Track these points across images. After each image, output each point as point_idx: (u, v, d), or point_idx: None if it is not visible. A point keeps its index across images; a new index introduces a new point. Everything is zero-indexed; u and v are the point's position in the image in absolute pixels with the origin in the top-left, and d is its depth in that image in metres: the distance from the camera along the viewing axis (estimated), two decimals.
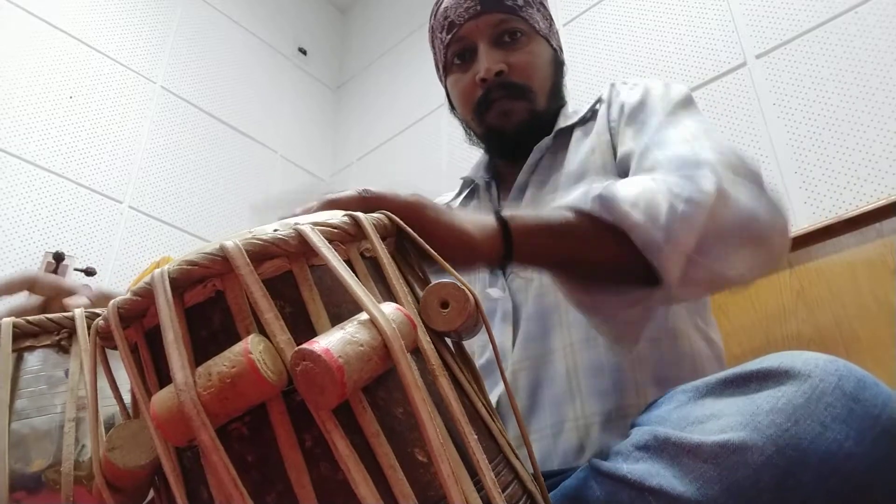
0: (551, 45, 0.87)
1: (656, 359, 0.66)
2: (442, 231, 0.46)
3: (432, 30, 0.90)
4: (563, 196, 0.63)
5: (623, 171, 0.73)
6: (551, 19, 0.90)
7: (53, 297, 0.69)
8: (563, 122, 0.84)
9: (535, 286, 0.72)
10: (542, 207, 0.60)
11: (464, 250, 0.48)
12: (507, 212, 0.53)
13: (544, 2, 0.90)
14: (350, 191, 0.45)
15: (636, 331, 0.65)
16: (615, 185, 0.58)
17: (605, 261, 0.58)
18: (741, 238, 0.59)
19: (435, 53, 0.92)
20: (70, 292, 0.67)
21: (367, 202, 0.44)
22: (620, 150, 0.74)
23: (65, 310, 0.65)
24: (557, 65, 0.88)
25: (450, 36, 0.85)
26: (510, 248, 0.52)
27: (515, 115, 0.82)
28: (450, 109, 0.93)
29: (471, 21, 0.83)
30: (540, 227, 0.55)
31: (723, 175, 0.59)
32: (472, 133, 0.89)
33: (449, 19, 0.85)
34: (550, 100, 0.85)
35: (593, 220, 0.57)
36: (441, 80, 0.93)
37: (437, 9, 0.89)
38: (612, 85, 0.85)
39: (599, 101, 0.86)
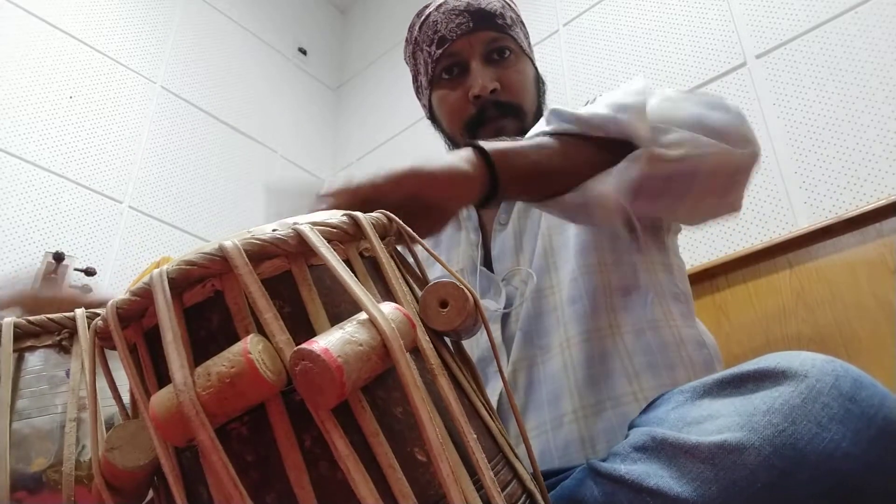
0: (533, 64, 0.90)
1: (643, 346, 0.68)
2: (444, 177, 0.51)
3: (416, 42, 0.90)
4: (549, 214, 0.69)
5: None
6: (529, 42, 0.93)
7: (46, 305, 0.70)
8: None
9: (531, 289, 0.73)
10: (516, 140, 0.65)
11: (462, 189, 0.53)
12: (483, 144, 0.57)
13: (524, 22, 0.92)
14: (351, 183, 0.48)
15: (632, 330, 0.69)
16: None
17: (581, 164, 0.63)
18: (695, 130, 0.62)
19: (416, 65, 0.92)
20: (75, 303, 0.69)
21: (369, 190, 0.48)
22: None
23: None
24: (540, 84, 0.90)
25: (440, 51, 0.86)
26: (494, 173, 0.56)
27: (507, 133, 0.82)
28: (431, 122, 0.94)
29: (463, 38, 0.84)
30: (514, 148, 0.59)
31: (665, 96, 0.65)
32: (455, 147, 0.89)
33: (439, 34, 0.86)
34: (535, 118, 0.86)
35: (557, 135, 0.63)
36: (421, 93, 0.93)
37: (422, 21, 0.89)
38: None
39: None
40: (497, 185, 0.56)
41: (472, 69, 0.83)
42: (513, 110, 0.83)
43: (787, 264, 1.27)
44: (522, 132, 0.82)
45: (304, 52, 2.93)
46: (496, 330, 0.73)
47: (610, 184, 0.60)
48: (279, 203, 0.53)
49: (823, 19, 1.54)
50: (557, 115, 0.64)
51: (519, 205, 0.81)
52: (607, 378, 0.66)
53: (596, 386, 0.65)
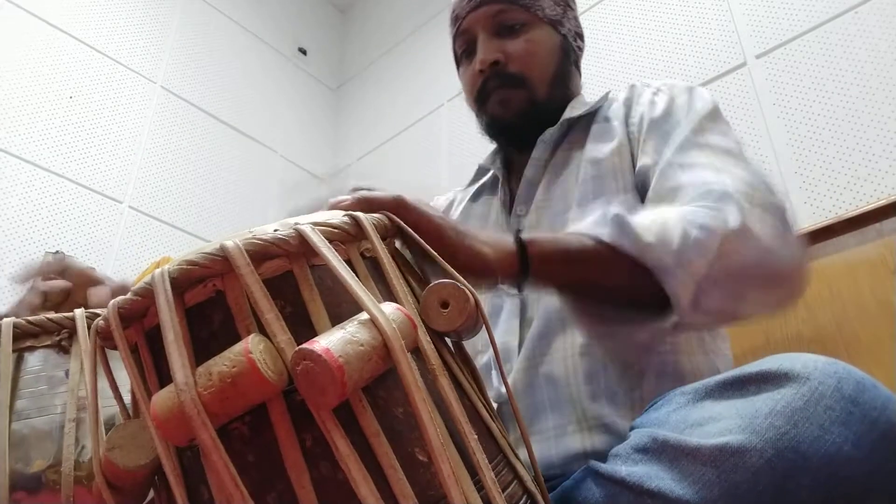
0: (558, 31, 0.85)
1: (656, 373, 0.66)
2: (462, 253, 0.48)
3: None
4: (579, 216, 0.64)
5: (641, 184, 0.72)
6: (566, 4, 0.88)
7: (80, 285, 0.71)
8: (569, 113, 0.82)
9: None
10: (560, 230, 0.62)
11: (482, 272, 0.50)
12: (526, 235, 0.55)
13: None
14: (389, 194, 0.46)
15: (644, 355, 0.66)
16: (633, 212, 0.60)
17: (619, 287, 0.59)
18: (757, 274, 0.59)
19: (452, 45, 0.93)
20: (98, 282, 0.69)
21: (400, 210, 0.46)
22: (640, 162, 0.73)
23: (87, 300, 0.67)
24: (565, 51, 0.86)
25: (454, 29, 0.87)
26: (526, 271, 0.54)
27: (513, 103, 0.81)
28: (466, 101, 0.93)
29: (471, 13, 0.84)
30: (558, 251, 0.57)
31: (748, 210, 0.59)
32: (480, 123, 0.89)
33: (455, 13, 0.87)
34: (553, 88, 0.83)
35: (609, 247, 0.58)
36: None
37: (452, 4, 0.90)
38: (633, 86, 0.84)
39: (610, 98, 0.85)
40: (525, 278, 0.54)
41: (478, 43, 0.84)
42: (515, 80, 0.81)
43: None
44: (532, 101, 0.81)
45: (304, 52, 2.93)
46: (515, 322, 0.73)
47: (642, 339, 0.61)
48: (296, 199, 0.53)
49: (823, 19, 1.54)
50: (620, 227, 0.58)
51: (540, 195, 0.79)
52: (611, 399, 0.64)
53: (600, 404, 0.64)
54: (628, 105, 0.81)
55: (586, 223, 0.60)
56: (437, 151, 2.38)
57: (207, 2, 2.58)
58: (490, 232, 0.54)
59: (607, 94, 0.87)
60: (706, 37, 1.75)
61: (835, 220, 1.26)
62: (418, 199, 0.48)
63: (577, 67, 0.90)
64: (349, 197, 0.46)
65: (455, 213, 0.92)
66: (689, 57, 1.76)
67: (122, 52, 2.18)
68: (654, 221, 0.58)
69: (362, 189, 0.47)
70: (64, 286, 0.70)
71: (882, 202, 1.23)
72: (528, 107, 0.81)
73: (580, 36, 0.90)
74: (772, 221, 0.60)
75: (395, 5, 2.92)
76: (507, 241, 0.54)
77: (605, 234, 0.58)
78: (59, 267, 0.72)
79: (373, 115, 2.77)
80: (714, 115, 0.73)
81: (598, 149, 0.77)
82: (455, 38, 0.88)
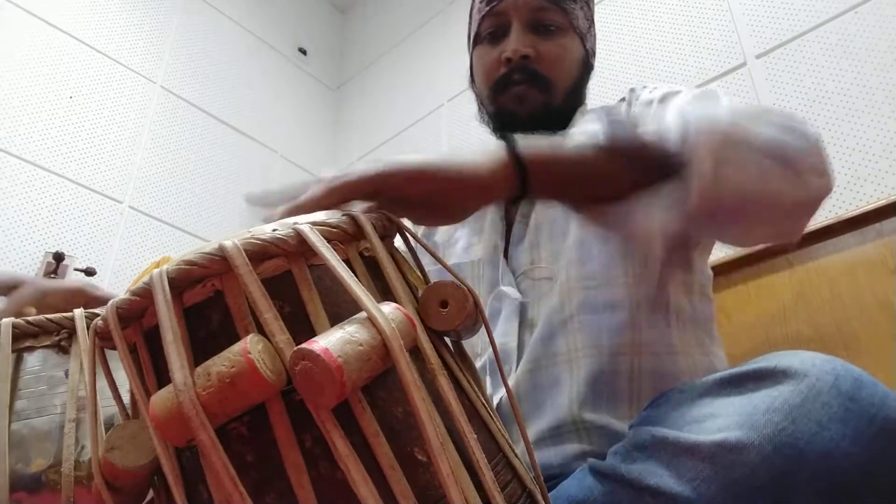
0: (584, 46, 0.86)
1: (656, 373, 0.65)
2: (456, 179, 0.47)
3: None
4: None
5: None
6: (592, 21, 0.88)
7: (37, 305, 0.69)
8: (578, 121, 0.83)
9: (545, 288, 0.72)
10: (556, 140, 0.59)
11: (481, 195, 0.49)
12: (520, 145, 0.53)
13: (590, 2, 0.88)
14: (358, 172, 0.44)
15: (647, 353, 0.65)
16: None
17: (623, 186, 0.56)
18: (766, 156, 0.54)
19: (469, 22, 0.91)
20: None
21: (378, 180, 0.44)
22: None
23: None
24: (585, 66, 0.86)
25: (488, 7, 0.84)
26: (525, 183, 0.51)
27: (529, 102, 0.80)
28: (469, 82, 0.92)
29: None
30: (555, 157, 0.54)
31: (742, 113, 0.57)
32: (483, 111, 0.88)
33: None
34: (569, 97, 0.83)
35: (609, 150, 0.56)
36: (467, 51, 0.92)
37: None
38: (632, 90, 0.84)
39: (620, 101, 0.85)
40: (526, 189, 0.52)
41: (512, 31, 0.82)
42: (541, 80, 0.80)
43: (787, 264, 1.27)
44: (547, 105, 0.80)
45: (304, 52, 2.93)
46: (515, 322, 0.72)
47: (656, 218, 0.55)
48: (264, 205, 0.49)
49: (823, 19, 1.54)
50: (616, 125, 0.58)
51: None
52: (611, 402, 0.64)
53: (601, 407, 0.63)
54: (629, 104, 0.81)
55: (583, 135, 0.58)
56: (437, 151, 2.38)
57: (207, 2, 2.58)
58: (480, 152, 0.52)
59: (621, 101, 0.87)
60: (706, 37, 1.75)
61: (835, 220, 1.26)
62: (395, 159, 0.46)
63: (588, 81, 0.90)
64: (320, 191, 0.43)
65: None
66: (689, 57, 1.76)
67: (122, 52, 2.18)
68: (651, 123, 0.58)
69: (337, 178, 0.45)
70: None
71: (882, 202, 1.23)
72: (543, 109, 0.80)
73: (594, 53, 0.90)
74: (779, 121, 0.58)
75: (395, 5, 2.92)
76: (500, 153, 0.52)
77: (603, 136, 0.56)
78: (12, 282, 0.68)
79: (373, 115, 2.77)
80: (710, 92, 0.72)
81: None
82: (484, 16, 0.85)
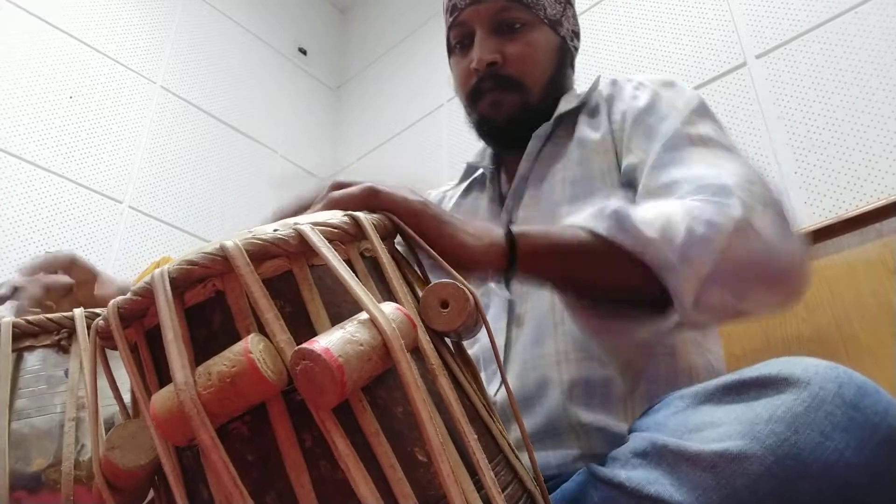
0: (557, 33, 0.83)
1: (651, 375, 0.65)
2: (444, 241, 0.46)
3: (442, 9, 0.89)
4: (570, 213, 0.62)
5: (628, 182, 0.70)
6: (567, 1, 0.86)
7: (83, 283, 0.71)
8: (563, 107, 0.81)
9: (533, 288, 0.71)
10: (553, 224, 0.59)
11: (464, 263, 0.47)
12: (516, 228, 0.53)
13: None
14: (358, 187, 0.44)
15: (643, 354, 0.65)
16: (631, 206, 0.58)
17: (616, 284, 0.57)
18: (760, 272, 0.57)
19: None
20: (104, 279, 0.69)
21: (372, 200, 0.44)
22: (627, 160, 0.71)
23: (95, 292, 0.67)
24: (562, 53, 0.84)
25: (451, 19, 0.84)
26: (514, 264, 0.51)
27: (505, 107, 0.80)
28: (455, 90, 0.90)
29: (471, 6, 0.81)
30: (550, 245, 0.54)
31: (749, 206, 0.57)
32: (469, 118, 0.87)
33: (452, 2, 0.84)
34: (548, 90, 0.82)
35: (606, 242, 0.55)
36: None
37: None
38: (615, 82, 0.82)
39: (599, 88, 0.84)
40: (512, 271, 0.52)
41: (476, 40, 0.80)
42: (512, 84, 0.79)
43: None
44: (524, 105, 0.79)
45: (304, 52, 2.93)
46: (503, 320, 0.71)
47: (642, 337, 0.59)
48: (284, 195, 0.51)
49: (823, 19, 1.54)
50: (619, 222, 0.56)
51: (530, 190, 0.78)
52: (605, 404, 0.63)
53: (594, 410, 0.63)
54: (610, 101, 0.80)
55: (583, 216, 0.58)
56: (437, 151, 2.38)
57: (207, 2, 2.58)
58: (479, 222, 0.51)
59: (598, 79, 0.85)
60: (706, 37, 1.75)
61: (835, 220, 1.26)
62: (396, 186, 0.46)
63: (573, 66, 0.88)
64: (319, 202, 0.44)
65: None
66: (689, 57, 1.76)
67: (122, 52, 2.18)
68: (657, 217, 0.56)
69: (343, 185, 0.45)
70: (66, 282, 0.70)
71: (882, 202, 1.23)
72: (520, 111, 0.80)
73: (577, 35, 0.88)
74: (772, 217, 0.59)
75: (395, 5, 2.92)
76: (496, 232, 0.51)
77: (603, 227, 0.56)
78: (66, 262, 0.72)
79: (373, 115, 2.77)
80: (702, 110, 0.72)
81: (585, 146, 0.76)
82: (451, 28, 0.85)
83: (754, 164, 0.66)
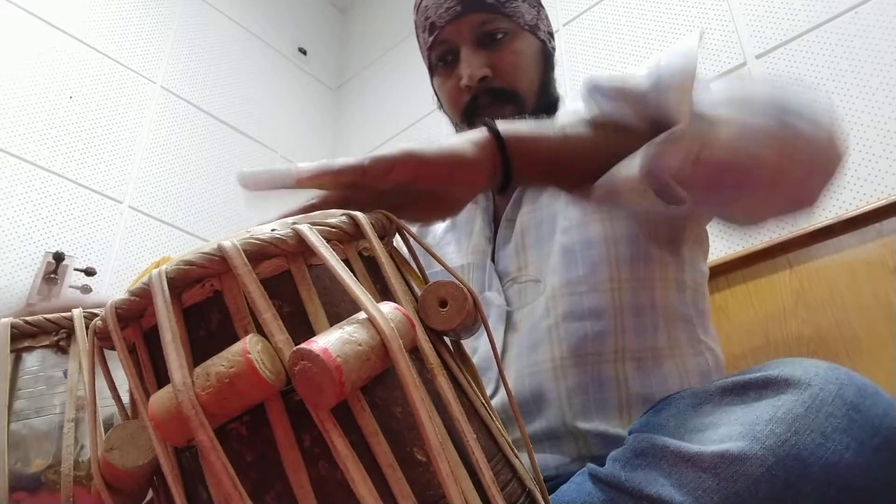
0: (538, 38, 0.82)
1: (643, 379, 0.64)
2: (441, 162, 0.46)
3: (416, 27, 0.87)
4: (568, 213, 0.60)
5: None
6: (539, 5, 0.85)
7: None
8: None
9: (531, 292, 0.71)
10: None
11: (467, 171, 0.47)
12: (499, 124, 0.52)
13: None
14: (339, 162, 0.44)
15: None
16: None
17: (610, 150, 0.54)
18: (771, 112, 0.50)
19: (420, 49, 0.89)
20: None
21: (360, 171, 0.44)
22: None
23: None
24: (546, 57, 0.83)
25: (431, 38, 0.82)
26: (507, 156, 0.50)
27: (506, 119, 0.79)
28: (438, 106, 0.90)
29: (451, 23, 0.79)
30: (532, 132, 0.53)
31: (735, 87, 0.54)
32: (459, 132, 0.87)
33: (430, 20, 0.81)
34: (540, 98, 0.81)
35: (590, 121, 0.54)
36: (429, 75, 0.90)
37: (417, 6, 0.85)
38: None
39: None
40: (510, 172, 0.50)
41: (462, 56, 0.79)
42: (507, 96, 0.78)
43: (787, 264, 1.27)
44: (521, 115, 0.77)
45: (304, 52, 2.93)
46: (500, 329, 0.71)
47: (636, 166, 0.50)
48: (255, 187, 0.48)
49: (823, 19, 1.54)
50: (596, 89, 0.55)
51: (528, 203, 0.77)
52: (600, 409, 0.63)
53: (589, 415, 0.63)
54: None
55: (564, 118, 0.56)
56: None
57: (207, 2, 2.58)
58: (460, 136, 0.50)
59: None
60: (706, 37, 1.75)
61: (835, 220, 1.25)
62: (376, 152, 0.46)
63: (553, 68, 0.87)
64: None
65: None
66: None
67: (122, 52, 2.18)
68: (651, 74, 0.55)
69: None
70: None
71: (882, 202, 1.23)
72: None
73: (552, 35, 0.87)
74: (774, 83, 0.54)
75: (394, 5, 2.92)
76: (477, 132, 0.50)
77: (581, 110, 0.55)
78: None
79: (373, 115, 2.77)
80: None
81: None
82: (431, 47, 0.82)
83: None
